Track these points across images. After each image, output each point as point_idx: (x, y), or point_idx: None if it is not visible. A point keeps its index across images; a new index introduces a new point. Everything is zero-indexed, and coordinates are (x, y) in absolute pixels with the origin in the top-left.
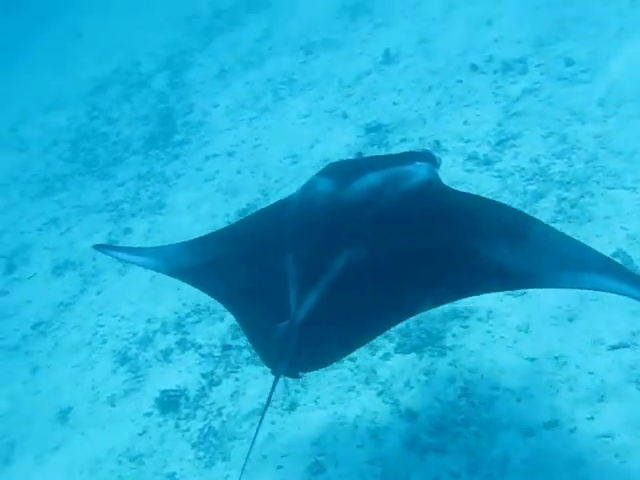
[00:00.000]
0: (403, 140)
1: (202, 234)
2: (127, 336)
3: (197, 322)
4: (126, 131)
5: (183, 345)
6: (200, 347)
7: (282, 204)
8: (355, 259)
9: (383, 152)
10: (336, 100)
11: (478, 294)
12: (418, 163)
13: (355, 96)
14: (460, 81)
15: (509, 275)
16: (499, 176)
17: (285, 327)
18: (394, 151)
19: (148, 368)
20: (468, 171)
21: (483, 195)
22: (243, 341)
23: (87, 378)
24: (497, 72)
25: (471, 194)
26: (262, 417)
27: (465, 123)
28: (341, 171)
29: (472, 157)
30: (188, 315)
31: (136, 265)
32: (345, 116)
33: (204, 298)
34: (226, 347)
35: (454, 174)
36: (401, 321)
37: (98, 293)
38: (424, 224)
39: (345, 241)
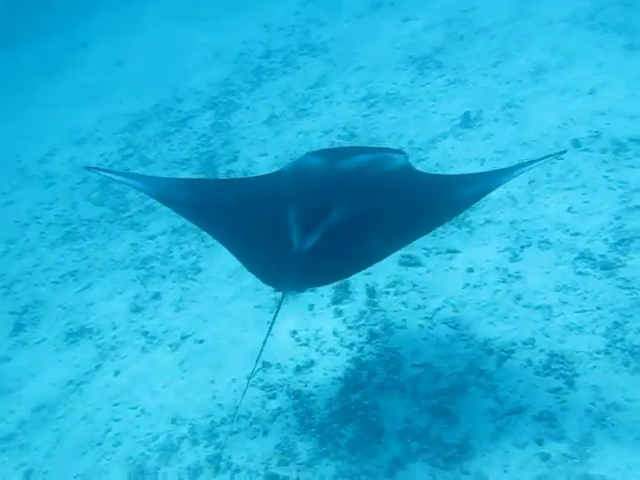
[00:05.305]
0: (488, 221)
1: None
2: (146, 439)
3: (235, 433)
4: (162, 175)
5: (216, 464)
6: (238, 471)
7: (274, 174)
8: (348, 214)
9: (464, 233)
10: None
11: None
12: (396, 155)
13: (429, 162)
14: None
15: (464, 204)
16: (627, 287)
17: (294, 251)
18: (479, 233)
19: None
20: (581, 274)
21: (602, 311)
22: (293, 470)
23: None
24: (606, 152)
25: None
26: (269, 330)
27: (570, 210)
28: (329, 153)
29: (585, 256)
30: (224, 421)
31: (131, 187)
32: None
33: (245, 399)
34: (271, 477)
35: (562, 275)
36: (385, 257)
37: (116, 373)
38: (402, 189)
39: (339, 201)
